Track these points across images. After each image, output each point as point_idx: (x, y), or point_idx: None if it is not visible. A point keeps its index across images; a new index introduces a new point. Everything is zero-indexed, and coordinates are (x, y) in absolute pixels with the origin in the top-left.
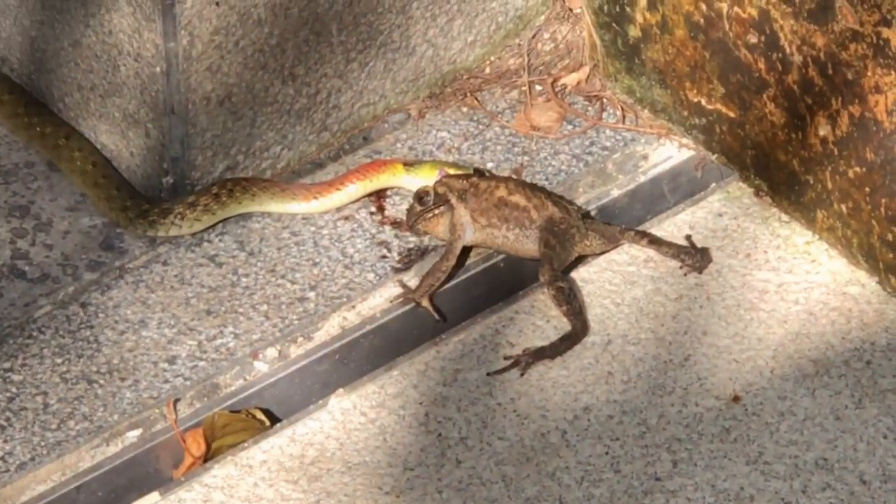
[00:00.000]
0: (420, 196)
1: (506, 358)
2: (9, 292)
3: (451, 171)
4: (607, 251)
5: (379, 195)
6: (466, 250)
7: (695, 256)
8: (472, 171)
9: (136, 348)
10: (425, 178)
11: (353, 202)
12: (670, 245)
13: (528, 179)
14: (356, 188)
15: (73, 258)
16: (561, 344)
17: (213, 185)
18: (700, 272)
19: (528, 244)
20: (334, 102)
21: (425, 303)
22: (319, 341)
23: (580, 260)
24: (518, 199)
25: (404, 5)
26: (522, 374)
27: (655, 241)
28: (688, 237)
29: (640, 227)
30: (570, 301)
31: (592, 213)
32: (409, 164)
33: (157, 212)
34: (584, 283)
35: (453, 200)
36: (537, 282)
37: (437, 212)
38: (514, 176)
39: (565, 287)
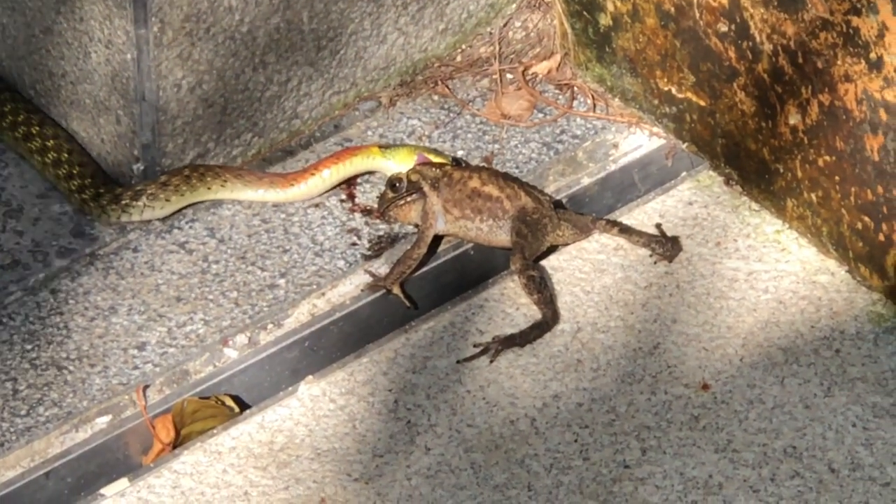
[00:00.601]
0: (392, 183)
1: (475, 345)
2: None
3: (430, 157)
4: (579, 241)
5: (350, 183)
6: (438, 238)
7: (665, 245)
8: (450, 158)
9: (106, 335)
10: (402, 161)
11: (330, 189)
12: (641, 234)
13: (498, 167)
14: (331, 173)
15: (43, 245)
16: (531, 332)
17: (185, 167)
18: (670, 261)
19: (500, 235)
20: (305, 90)
21: (396, 290)
22: (289, 328)
23: (551, 248)
24: (491, 189)
25: None
26: (492, 362)
27: (626, 230)
28: (658, 225)
29: (611, 216)
30: (541, 289)
31: (563, 202)
32: (384, 148)
33: (129, 194)
34: (554, 271)
35: (426, 188)
36: (507, 270)
37: (409, 199)
38: (485, 164)
39: (536, 276)
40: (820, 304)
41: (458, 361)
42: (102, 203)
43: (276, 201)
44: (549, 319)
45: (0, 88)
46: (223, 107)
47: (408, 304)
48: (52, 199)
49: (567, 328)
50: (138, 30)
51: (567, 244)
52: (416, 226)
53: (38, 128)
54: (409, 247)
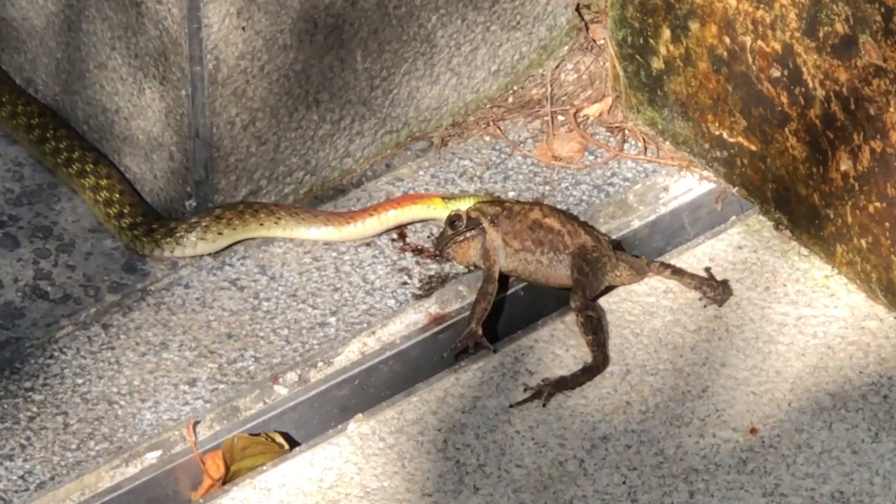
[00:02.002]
0: (452, 220)
1: (526, 389)
2: (31, 312)
3: None
4: (635, 282)
5: None
6: (502, 278)
7: (716, 289)
8: None
9: (157, 370)
10: None
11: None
12: (693, 276)
13: None
14: (390, 217)
15: (95, 279)
16: (581, 375)
17: (240, 203)
18: (720, 304)
19: (560, 269)
20: (358, 129)
21: (479, 330)
22: (339, 366)
23: (602, 290)
24: (552, 222)
25: (429, 34)
26: (545, 405)
27: (679, 273)
28: (707, 269)
29: (660, 259)
30: (597, 331)
31: (619, 243)
32: (448, 198)
33: (183, 227)
34: (603, 314)
35: (485, 224)
36: (557, 311)
37: (468, 235)
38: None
39: (594, 316)
40: (868, 349)
41: (510, 406)
42: (156, 237)
43: (330, 240)
44: (600, 363)
45: (56, 125)
46: (276, 144)
47: (491, 347)
48: (104, 234)
49: (616, 370)
50: (193, 66)
51: (624, 285)
52: (474, 266)
53: (92, 165)
54: (480, 286)
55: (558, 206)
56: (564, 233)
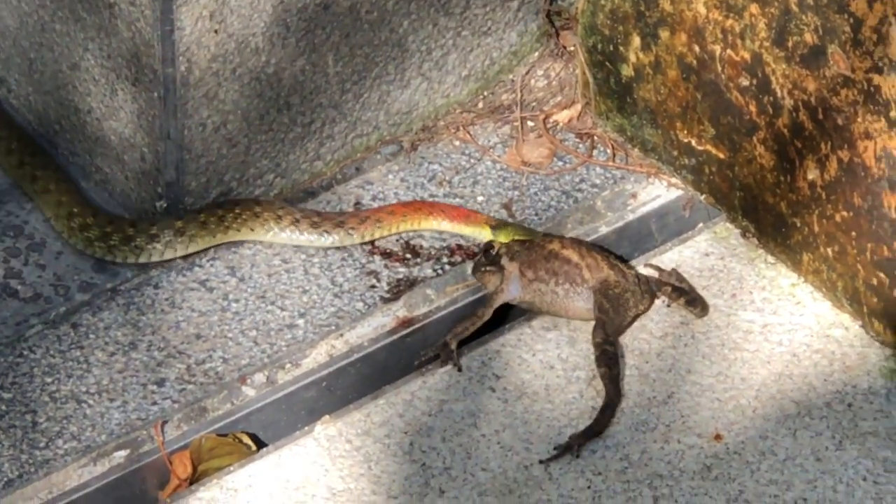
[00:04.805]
0: (486, 249)
1: (556, 447)
2: (1, 311)
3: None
4: (652, 304)
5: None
6: (507, 307)
7: (703, 304)
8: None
9: (126, 370)
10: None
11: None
12: (684, 291)
13: (518, 214)
14: (440, 224)
15: (65, 279)
16: (602, 415)
17: (276, 201)
18: (699, 317)
19: (578, 302)
20: (328, 132)
21: (453, 345)
22: (307, 368)
23: None
24: (570, 254)
25: (400, 38)
26: (578, 456)
27: (677, 290)
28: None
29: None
30: (611, 365)
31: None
32: (494, 226)
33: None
34: (571, 321)
35: (504, 261)
36: (524, 316)
37: (490, 269)
38: (507, 210)
39: (610, 350)
40: (833, 357)
41: (540, 462)
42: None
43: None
44: (614, 397)
45: (32, 151)
46: (247, 147)
47: (458, 365)
48: None
49: (582, 375)
50: (166, 68)
51: (646, 311)
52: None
53: (54, 185)
54: (478, 306)
55: (527, 212)
56: (583, 266)
